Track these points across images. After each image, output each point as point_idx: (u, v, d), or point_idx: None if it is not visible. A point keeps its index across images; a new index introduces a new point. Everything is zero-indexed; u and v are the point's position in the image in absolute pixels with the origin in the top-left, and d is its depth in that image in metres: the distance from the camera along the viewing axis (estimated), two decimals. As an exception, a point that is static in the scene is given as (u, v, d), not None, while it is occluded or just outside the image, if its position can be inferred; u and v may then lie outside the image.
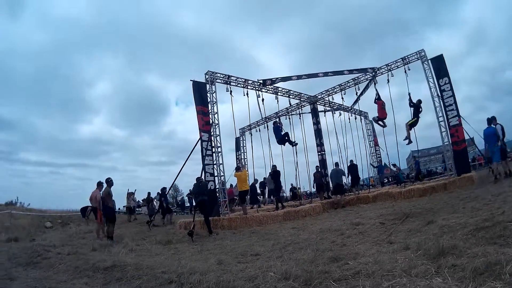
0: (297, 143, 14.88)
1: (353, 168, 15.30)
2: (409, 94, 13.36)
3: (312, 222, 9.77)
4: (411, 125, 13.02)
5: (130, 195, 17.20)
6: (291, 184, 20.29)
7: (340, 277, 3.23)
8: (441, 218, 5.52)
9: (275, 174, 13.34)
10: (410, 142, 13.13)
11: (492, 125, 9.73)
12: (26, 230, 11.42)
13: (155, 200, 16.54)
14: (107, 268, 4.80)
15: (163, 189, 15.10)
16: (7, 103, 72.08)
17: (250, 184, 13.77)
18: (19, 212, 15.44)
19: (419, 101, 13.04)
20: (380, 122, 14.18)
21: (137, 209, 23.63)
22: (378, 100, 14.18)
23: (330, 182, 15.18)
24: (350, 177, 15.34)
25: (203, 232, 9.48)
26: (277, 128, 14.22)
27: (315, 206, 12.45)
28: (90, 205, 15.31)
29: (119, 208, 15.21)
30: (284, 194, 17.87)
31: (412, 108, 13.13)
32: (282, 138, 14.22)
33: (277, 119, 15.40)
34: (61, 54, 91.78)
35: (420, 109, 13.02)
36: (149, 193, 17.03)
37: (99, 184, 9.40)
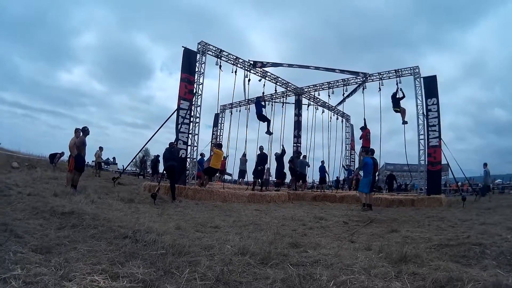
0: (272, 133, 15.26)
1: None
2: (401, 89, 13.81)
3: (276, 208, 9.83)
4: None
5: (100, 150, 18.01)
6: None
7: (298, 262, 3.14)
8: (405, 230, 5.56)
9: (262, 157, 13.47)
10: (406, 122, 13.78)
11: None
12: (-9, 166, 11.08)
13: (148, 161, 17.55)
14: (65, 213, 4.61)
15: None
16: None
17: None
18: (-13, 149, 14.99)
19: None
20: None
21: (105, 166, 23.33)
22: (364, 128, 13.99)
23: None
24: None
25: (167, 197, 9.37)
26: (259, 103, 14.20)
27: (281, 195, 12.56)
28: (59, 152, 15.04)
29: (87, 162, 15.04)
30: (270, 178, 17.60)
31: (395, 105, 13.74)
32: (262, 118, 14.29)
33: (262, 95, 15.32)
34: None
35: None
36: (143, 156, 18.01)
37: (76, 131, 8.99)
